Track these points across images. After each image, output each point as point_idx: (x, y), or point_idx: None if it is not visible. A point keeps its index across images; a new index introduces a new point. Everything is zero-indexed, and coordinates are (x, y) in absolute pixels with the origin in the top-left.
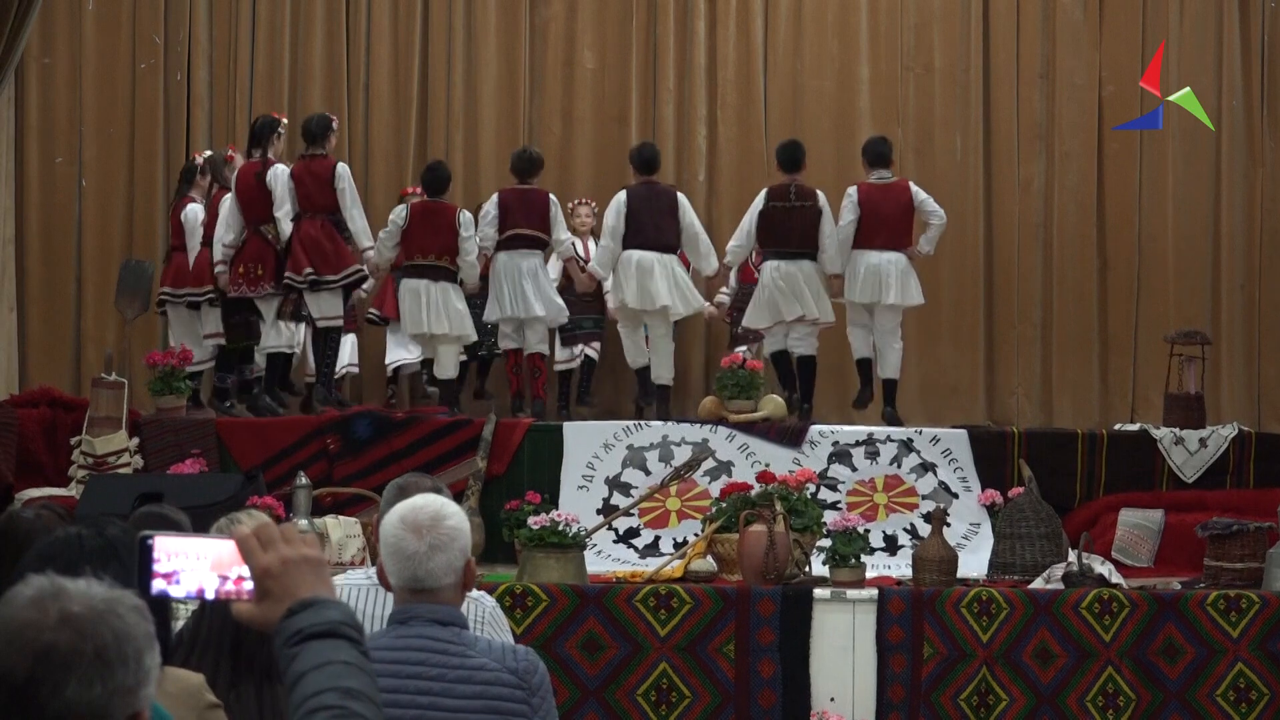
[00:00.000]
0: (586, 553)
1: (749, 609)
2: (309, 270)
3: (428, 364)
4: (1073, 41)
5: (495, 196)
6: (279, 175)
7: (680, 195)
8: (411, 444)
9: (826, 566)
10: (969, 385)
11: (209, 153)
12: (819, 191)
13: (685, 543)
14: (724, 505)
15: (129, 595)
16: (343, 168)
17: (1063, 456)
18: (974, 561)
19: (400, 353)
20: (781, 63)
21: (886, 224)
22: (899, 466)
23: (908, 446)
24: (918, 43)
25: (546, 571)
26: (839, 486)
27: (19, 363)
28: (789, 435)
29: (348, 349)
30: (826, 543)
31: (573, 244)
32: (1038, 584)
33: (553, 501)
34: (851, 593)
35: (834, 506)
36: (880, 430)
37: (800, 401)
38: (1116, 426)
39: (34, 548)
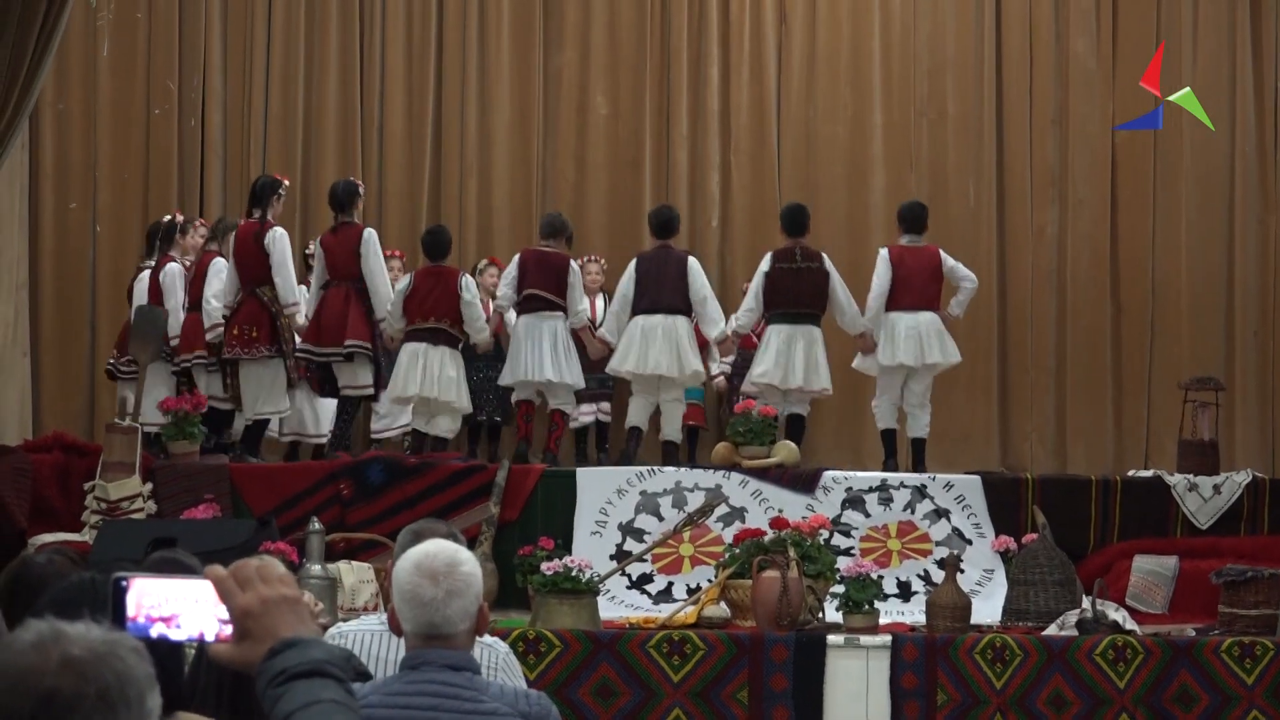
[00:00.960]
0: (600, 598)
1: (762, 655)
2: (350, 343)
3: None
4: (1085, 88)
5: (517, 257)
6: (277, 238)
7: (692, 259)
8: (424, 490)
9: (840, 613)
10: (983, 431)
11: (222, 217)
12: (823, 254)
13: (699, 589)
14: (737, 551)
15: (128, 637)
16: (369, 234)
17: (1076, 503)
18: (988, 608)
19: (384, 421)
20: (795, 109)
21: (917, 285)
22: (912, 512)
23: (921, 492)
24: (931, 89)
25: (560, 617)
26: (852, 532)
27: (33, 408)
28: (802, 481)
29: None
30: (840, 589)
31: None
32: (1051, 630)
33: (566, 547)
34: (865, 639)
35: (847, 552)
36: (894, 476)
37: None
38: (1130, 473)
39: (47, 593)
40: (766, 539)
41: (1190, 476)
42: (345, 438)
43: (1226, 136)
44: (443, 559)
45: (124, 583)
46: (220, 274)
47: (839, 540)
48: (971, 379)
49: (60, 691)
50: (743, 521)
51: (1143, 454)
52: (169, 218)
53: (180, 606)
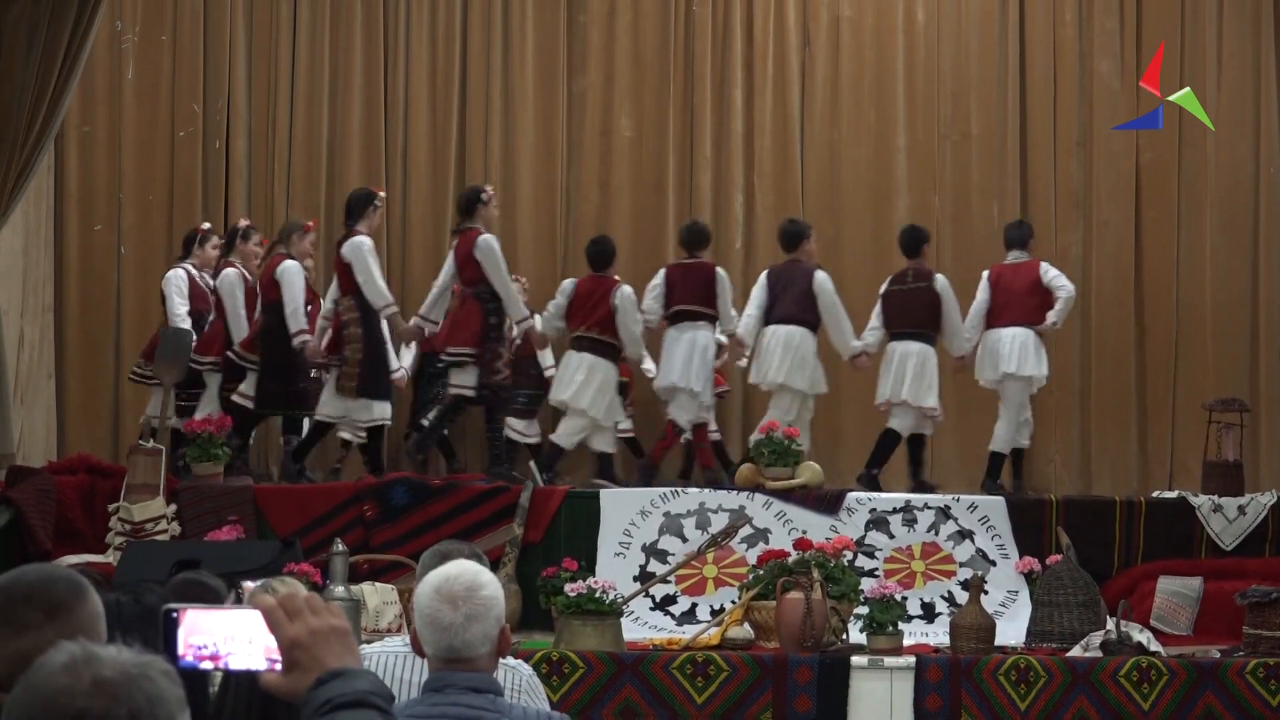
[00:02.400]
0: (623, 620)
1: (786, 676)
2: (463, 348)
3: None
4: (1109, 109)
5: (663, 272)
6: (354, 247)
7: (820, 273)
8: (448, 511)
9: (864, 634)
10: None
11: (291, 221)
12: (937, 275)
13: (722, 610)
14: (761, 572)
15: (159, 660)
16: (484, 240)
17: (1101, 524)
18: (1012, 629)
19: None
20: (818, 131)
21: (1015, 301)
22: (936, 534)
23: (945, 514)
24: (955, 110)
25: (583, 639)
26: (876, 554)
27: (57, 430)
28: (826, 502)
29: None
30: (864, 610)
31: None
32: (1076, 652)
33: (590, 568)
34: (889, 660)
35: (871, 574)
36: (917, 498)
37: (868, 469)
38: (1155, 494)
39: None
40: (790, 560)
41: (1215, 498)
42: (436, 433)
43: (1251, 157)
44: (463, 583)
45: (175, 615)
46: (295, 281)
47: (863, 561)
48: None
49: (91, 713)
50: (766, 543)
51: (1167, 475)
52: (208, 225)
53: (228, 639)
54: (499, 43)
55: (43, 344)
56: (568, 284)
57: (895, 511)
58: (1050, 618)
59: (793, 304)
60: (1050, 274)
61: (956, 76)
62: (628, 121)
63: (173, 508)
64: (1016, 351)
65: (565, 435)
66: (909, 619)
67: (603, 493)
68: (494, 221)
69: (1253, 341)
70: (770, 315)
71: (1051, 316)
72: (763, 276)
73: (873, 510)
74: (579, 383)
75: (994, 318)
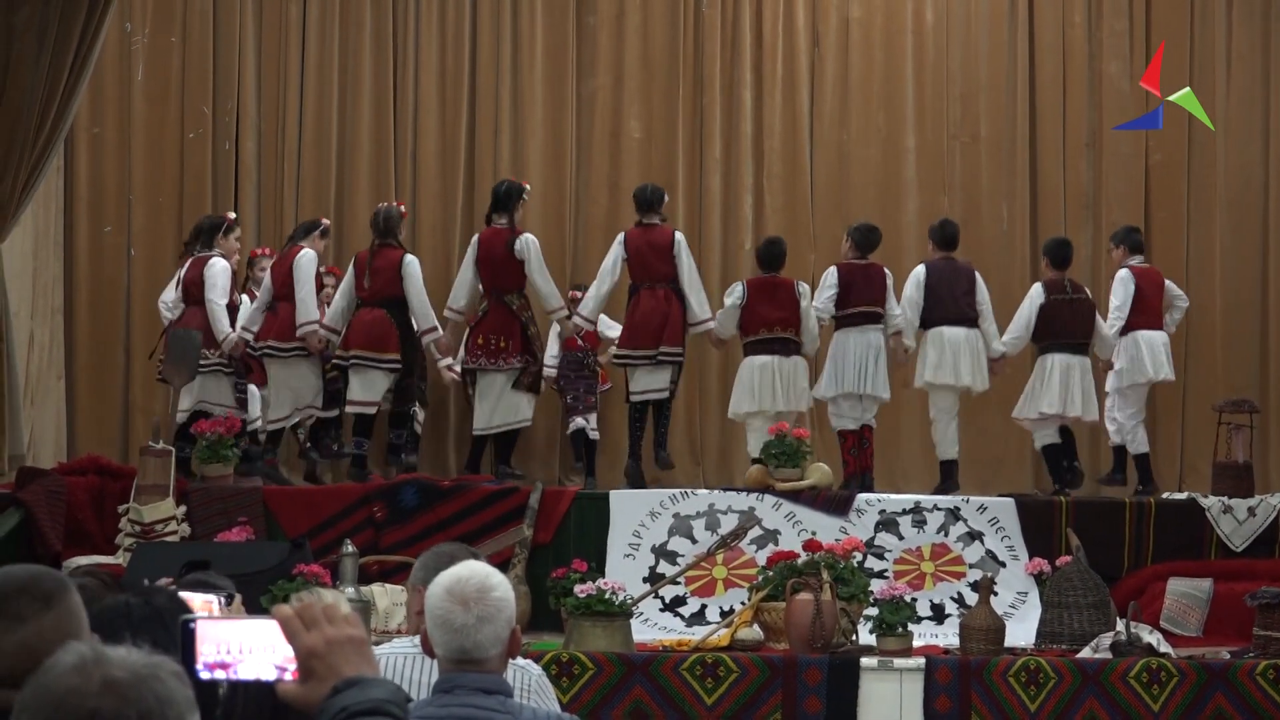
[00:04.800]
0: (633, 621)
1: (796, 678)
2: (660, 346)
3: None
4: (1119, 111)
5: (835, 270)
6: (529, 244)
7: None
8: (458, 512)
9: (873, 635)
10: (1016, 454)
11: (384, 206)
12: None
13: (732, 611)
14: (771, 574)
15: (169, 661)
16: (680, 236)
17: (1111, 525)
18: (1021, 630)
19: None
20: (828, 132)
21: (1150, 306)
22: (946, 535)
23: (955, 515)
24: (964, 112)
25: (593, 640)
26: (886, 555)
27: (67, 431)
28: (836, 504)
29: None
30: (873, 611)
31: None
32: (1086, 653)
33: (599, 570)
34: (899, 662)
35: (881, 575)
36: (927, 499)
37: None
38: (1165, 495)
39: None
40: (800, 561)
41: (1225, 499)
42: (638, 443)
43: (1260, 160)
44: (474, 584)
45: (191, 625)
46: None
47: (872, 563)
48: (1005, 401)
49: (101, 713)
50: (776, 544)
51: (1177, 476)
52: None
53: (244, 648)
54: (508, 45)
55: (52, 345)
56: (738, 287)
57: (905, 513)
58: (1060, 619)
59: (957, 304)
60: (1169, 284)
61: (966, 78)
62: (637, 123)
63: (182, 509)
64: (1160, 356)
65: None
66: (918, 620)
67: (612, 494)
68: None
69: (1263, 342)
70: (932, 316)
71: (1168, 328)
72: (921, 271)
73: (882, 512)
74: (779, 390)
75: (1131, 322)
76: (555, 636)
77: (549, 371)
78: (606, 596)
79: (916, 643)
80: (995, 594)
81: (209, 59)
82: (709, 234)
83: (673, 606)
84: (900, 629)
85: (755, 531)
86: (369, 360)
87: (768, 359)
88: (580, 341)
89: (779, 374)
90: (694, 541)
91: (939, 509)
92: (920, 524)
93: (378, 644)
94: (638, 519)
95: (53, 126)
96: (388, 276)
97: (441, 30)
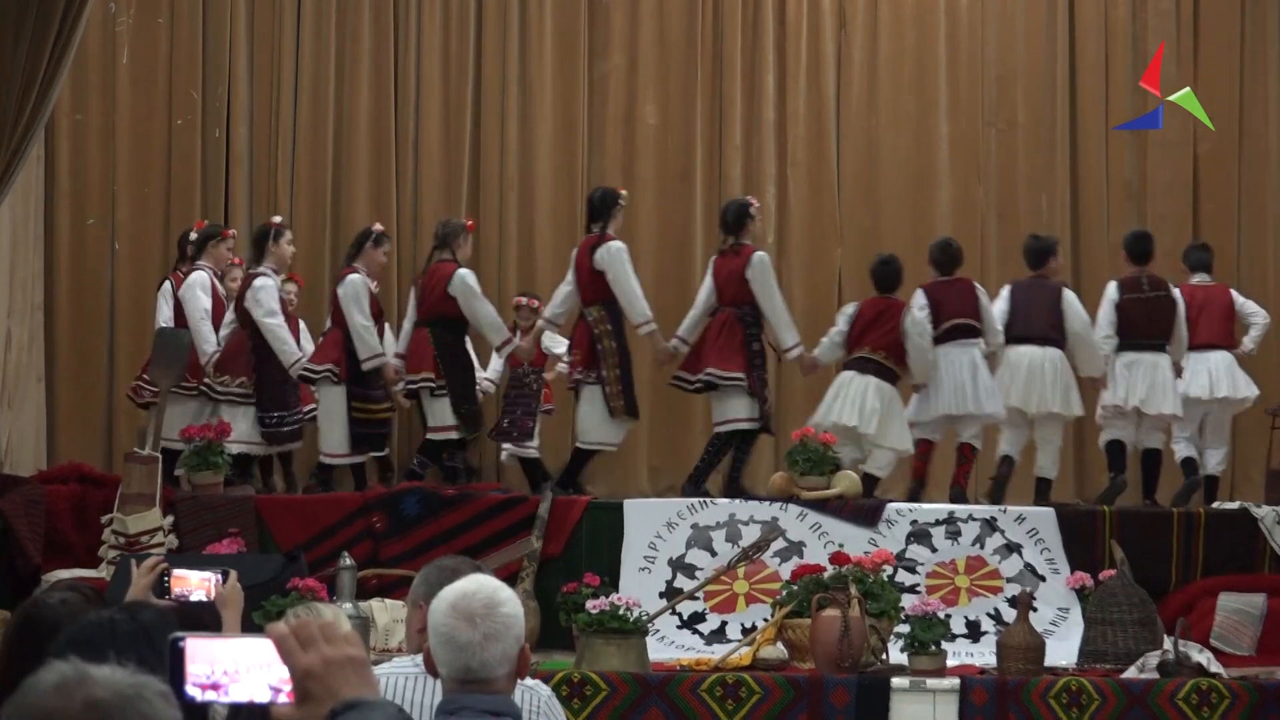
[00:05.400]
0: (649, 639)
1: (822, 699)
2: (711, 370)
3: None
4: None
5: (920, 292)
6: (612, 252)
7: (1068, 290)
8: (463, 523)
9: (905, 654)
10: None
11: (447, 218)
12: (1169, 280)
13: (754, 628)
14: (795, 588)
15: (155, 680)
16: (759, 257)
17: (1157, 537)
18: (1062, 649)
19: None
20: (855, 118)
21: (1211, 324)
22: (982, 547)
23: (991, 526)
24: (1000, 97)
25: (606, 659)
26: (918, 568)
27: (47, 437)
28: (864, 514)
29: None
30: (905, 628)
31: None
32: (1131, 673)
33: (613, 584)
34: (931, 682)
35: (913, 590)
36: (962, 509)
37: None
38: (1215, 505)
39: (64, 633)
40: (826, 575)
41: (1278, 508)
42: (706, 473)
43: None
44: (481, 599)
45: (180, 644)
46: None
47: (903, 577)
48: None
49: None
50: (801, 557)
51: (1228, 485)
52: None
53: (236, 668)
54: (515, 24)
55: (31, 345)
56: (850, 308)
57: (938, 523)
58: (1103, 637)
59: (1041, 322)
60: (1240, 300)
61: (1002, 60)
62: (653, 108)
63: (170, 519)
64: (1220, 376)
65: (884, 465)
66: (953, 638)
67: (627, 504)
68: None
69: None
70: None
71: (1248, 344)
72: (1006, 290)
73: (914, 522)
74: (873, 410)
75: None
76: (566, 655)
77: (488, 387)
78: (620, 613)
79: (950, 662)
80: (1034, 610)
81: (198, 41)
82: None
83: (691, 623)
84: (933, 647)
85: (779, 543)
86: (424, 385)
87: (867, 379)
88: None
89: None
90: (714, 554)
91: (974, 519)
92: (954, 535)
93: (377, 663)
94: (653, 530)
95: (32, 113)
96: (437, 294)
97: (445, 9)
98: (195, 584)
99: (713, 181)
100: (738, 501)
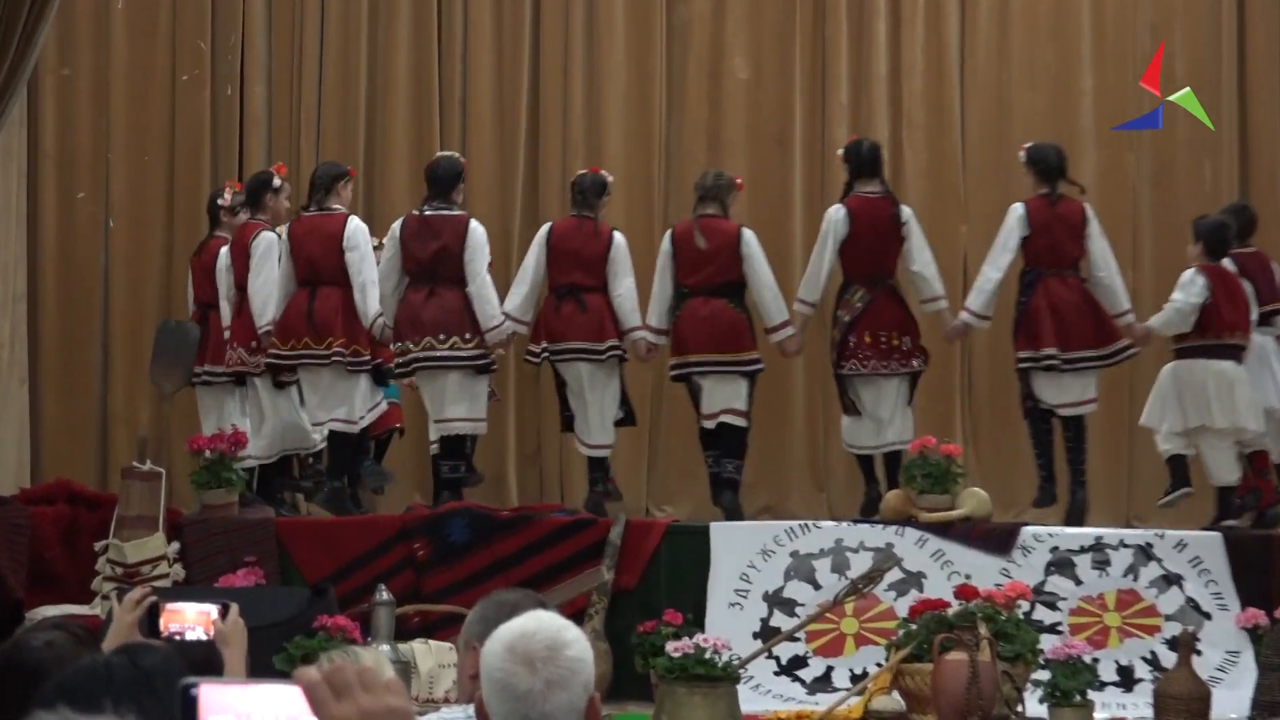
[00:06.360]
0: (740, 687)
1: None
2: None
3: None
4: None
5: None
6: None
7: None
8: (520, 550)
9: (1044, 705)
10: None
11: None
12: None
13: (865, 675)
14: (914, 627)
15: None
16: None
17: None
18: (1232, 699)
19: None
20: (982, 71)
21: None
22: (1135, 579)
23: (1146, 554)
24: (1155, 45)
25: (690, 710)
26: (1059, 604)
27: (31, 449)
28: (996, 539)
29: None
30: (1044, 675)
31: None
32: None
33: (698, 622)
34: None
35: (1053, 629)
36: (1111, 533)
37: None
38: None
39: (51, 680)
40: (950, 612)
41: None
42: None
43: None
44: (542, 640)
45: (193, 691)
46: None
47: (1042, 614)
48: None
49: None
50: (920, 590)
51: None
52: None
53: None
54: None
55: (14, 341)
56: (1200, 280)
57: (1083, 550)
58: None
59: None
60: None
61: (1156, 4)
62: (742, 60)
63: (175, 546)
64: None
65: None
66: (1101, 686)
67: (714, 528)
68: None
69: None
70: None
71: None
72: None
73: (1054, 549)
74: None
75: None
76: (643, 706)
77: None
78: (707, 656)
79: (1099, 715)
80: (1198, 653)
81: None
82: (832, 197)
83: (791, 669)
84: (1078, 697)
85: (894, 574)
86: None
87: (1225, 365)
88: None
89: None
90: (817, 587)
91: (1126, 546)
92: (1103, 565)
93: (422, 715)
94: (746, 559)
95: (11, 68)
96: (725, 257)
97: None
98: (191, 619)
99: (813, 146)
100: (845, 525)
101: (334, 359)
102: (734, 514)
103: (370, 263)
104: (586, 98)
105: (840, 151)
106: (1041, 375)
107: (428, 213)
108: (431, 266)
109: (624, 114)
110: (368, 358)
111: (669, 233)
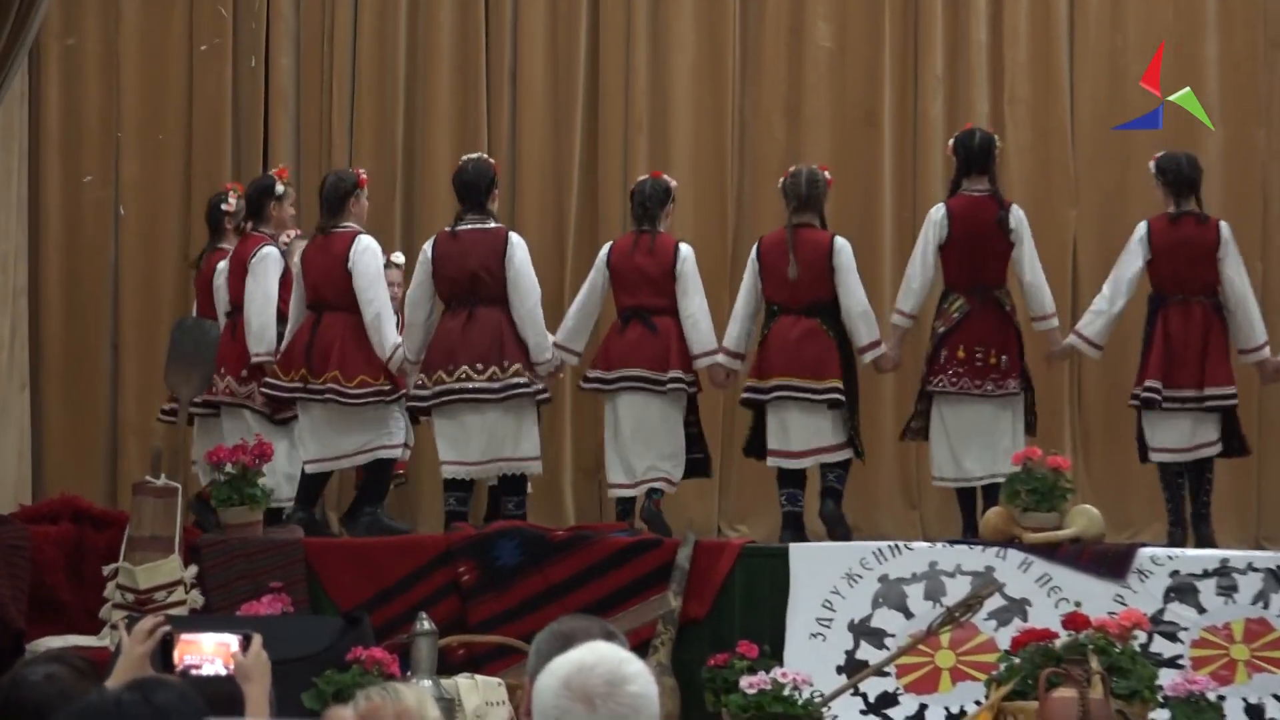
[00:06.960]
0: None
1: None
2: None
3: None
4: None
5: None
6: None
7: None
8: (576, 575)
9: None
10: None
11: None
12: None
13: (963, 714)
14: (1017, 661)
15: None
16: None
17: None
18: None
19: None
20: (1094, 39)
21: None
22: (1266, 606)
23: (1278, 578)
24: None
25: None
26: (1180, 635)
27: (33, 461)
28: (1109, 562)
29: None
30: (1164, 714)
31: None
32: None
33: (775, 655)
34: None
35: (1173, 663)
36: (1238, 556)
37: None
38: None
39: (56, 718)
40: (1058, 644)
41: None
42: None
43: None
44: (601, 674)
45: None
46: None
47: (1161, 646)
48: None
49: None
50: (1024, 619)
51: None
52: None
53: None
54: None
55: (14, 342)
56: None
57: (1207, 575)
58: None
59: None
60: None
61: None
62: (826, 26)
63: (193, 570)
64: None
65: None
66: None
67: (793, 550)
68: None
69: None
70: None
71: None
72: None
73: (1174, 573)
74: None
75: None
76: None
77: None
78: (786, 693)
79: None
80: None
81: None
82: (927, 179)
83: (879, 707)
84: None
85: (995, 601)
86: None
87: None
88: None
89: None
90: (909, 615)
91: (1255, 569)
92: (1229, 590)
93: None
94: (829, 584)
95: (11, 37)
96: (819, 268)
97: None
98: (209, 652)
99: (905, 123)
100: (940, 546)
101: (328, 395)
102: (836, 526)
103: (382, 285)
104: (651, 70)
105: (950, 143)
106: (1149, 412)
107: (460, 228)
108: (470, 288)
109: (693, 86)
110: (375, 389)
111: (755, 246)
